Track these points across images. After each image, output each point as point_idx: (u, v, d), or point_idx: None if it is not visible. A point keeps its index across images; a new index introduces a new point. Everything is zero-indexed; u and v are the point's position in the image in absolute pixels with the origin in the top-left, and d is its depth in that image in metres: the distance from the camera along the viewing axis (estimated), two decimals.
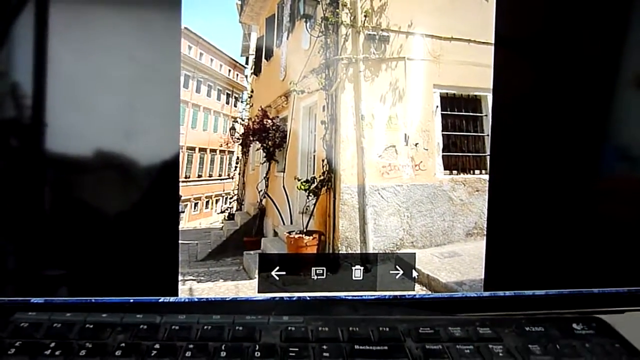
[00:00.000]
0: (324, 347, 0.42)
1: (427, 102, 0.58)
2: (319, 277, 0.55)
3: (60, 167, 0.52)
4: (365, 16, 0.57)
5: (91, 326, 0.43)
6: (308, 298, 0.54)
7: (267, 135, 0.60)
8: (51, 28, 0.52)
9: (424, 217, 0.59)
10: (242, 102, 0.61)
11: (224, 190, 0.61)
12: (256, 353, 0.40)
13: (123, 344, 0.41)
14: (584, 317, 0.50)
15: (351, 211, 0.59)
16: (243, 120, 0.59)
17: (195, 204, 0.58)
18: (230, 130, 0.59)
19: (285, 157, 0.61)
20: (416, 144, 0.58)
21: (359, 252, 0.57)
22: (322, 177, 0.58)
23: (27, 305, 0.49)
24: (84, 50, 0.52)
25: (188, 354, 0.40)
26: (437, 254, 0.59)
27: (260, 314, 0.47)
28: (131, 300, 0.51)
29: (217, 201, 0.61)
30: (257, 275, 0.54)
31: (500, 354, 0.42)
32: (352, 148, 0.58)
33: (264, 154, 0.61)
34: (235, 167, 0.60)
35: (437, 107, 0.59)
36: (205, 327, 0.44)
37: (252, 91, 0.61)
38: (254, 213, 0.61)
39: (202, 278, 0.54)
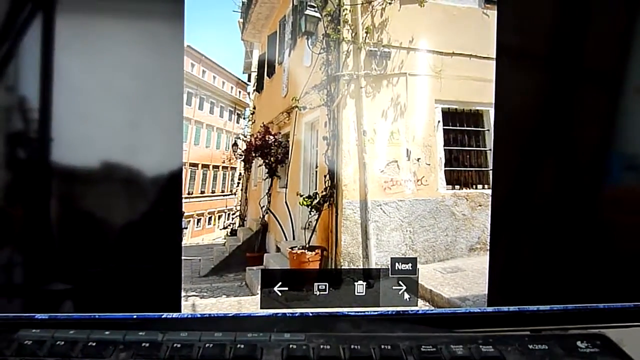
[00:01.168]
0: None
1: (428, 117, 0.59)
2: (321, 292, 0.55)
3: (63, 182, 0.52)
4: (366, 33, 0.58)
5: (94, 344, 0.44)
6: (310, 314, 0.54)
7: (269, 152, 0.60)
8: (56, 45, 0.53)
9: (427, 232, 0.59)
10: (244, 118, 0.61)
11: (226, 206, 0.62)
12: None
13: None
14: (588, 334, 0.50)
15: (353, 226, 0.59)
16: (245, 137, 0.59)
17: (198, 220, 0.58)
18: (232, 146, 0.60)
19: (287, 173, 0.61)
20: (418, 159, 0.59)
21: (361, 267, 0.57)
22: (324, 193, 0.58)
23: (32, 321, 0.50)
24: (88, 68, 0.52)
25: None
26: (440, 269, 0.59)
27: (262, 331, 0.47)
28: (134, 316, 0.52)
29: (219, 217, 0.61)
30: (259, 291, 0.54)
31: None
32: (354, 163, 0.58)
33: (266, 170, 0.61)
34: (238, 183, 0.61)
35: (439, 122, 0.60)
36: (207, 345, 0.44)
37: (254, 108, 0.62)
38: (256, 229, 0.61)
39: (204, 294, 0.55)
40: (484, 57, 0.56)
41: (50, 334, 0.45)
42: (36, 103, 0.53)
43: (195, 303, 0.54)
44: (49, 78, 0.53)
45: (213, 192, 0.61)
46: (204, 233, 0.59)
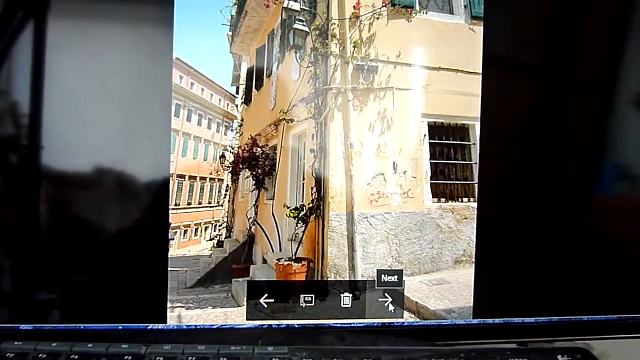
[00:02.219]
0: None
1: (415, 131, 0.59)
2: (307, 304, 0.55)
3: (48, 190, 0.52)
4: (354, 47, 0.58)
5: (76, 357, 0.44)
6: (296, 326, 0.54)
7: (256, 164, 0.60)
8: (47, 57, 0.53)
9: (413, 245, 0.59)
10: (232, 130, 0.62)
11: (213, 218, 0.62)
12: None
13: None
14: (570, 348, 0.50)
15: (340, 238, 0.59)
16: (233, 149, 0.60)
17: (185, 232, 0.58)
18: (220, 158, 0.60)
19: (274, 185, 0.62)
20: (405, 172, 0.59)
21: (347, 279, 0.57)
22: (311, 205, 0.59)
23: (16, 332, 0.50)
24: (76, 79, 0.53)
25: None
26: (426, 282, 0.59)
27: (247, 343, 0.48)
28: (120, 328, 0.52)
29: (206, 229, 0.61)
30: (245, 303, 0.55)
31: None
32: (341, 176, 0.58)
33: (254, 182, 0.62)
34: (225, 195, 0.61)
35: (425, 135, 0.60)
36: (190, 359, 0.44)
37: (242, 120, 0.62)
38: (243, 240, 0.61)
39: (190, 305, 0.55)
40: (470, 72, 0.57)
41: (33, 347, 0.45)
42: (24, 111, 0.53)
43: (182, 314, 0.54)
44: (39, 84, 0.53)
45: (200, 203, 0.61)
46: (190, 244, 0.59)
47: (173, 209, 0.54)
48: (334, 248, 0.59)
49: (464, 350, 0.48)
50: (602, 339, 0.58)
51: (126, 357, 0.44)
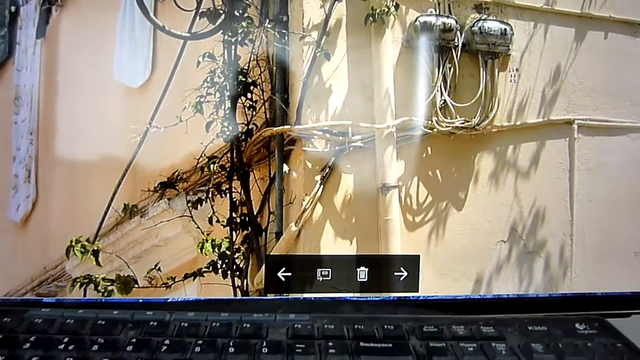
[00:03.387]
0: (330, 344, 0.42)
1: None
2: (324, 278, 0.56)
3: None
4: None
5: (103, 322, 0.45)
6: (313, 299, 0.55)
7: None
8: None
9: None
10: None
11: None
12: (263, 349, 0.41)
13: (134, 340, 0.42)
14: (587, 317, 0.51)
15: None
16: None
17: None
18: None
19: None
20: None
21: (364, 253, 0.57)
22: None
23: (39, 304, 0.51)
24: None
25: (197, 349, 0.41)
26: None
27: (267, 313, 0.48)
28: (140, 300, 0.52)
29: None
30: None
31: (503, 352, 0.43)
32: None
33: None
34: None
35: None
36: (214, 324, 0.45)
37: None
38: None
39: None
40: None
41: (60, 313, 0.46)
42: None
43: None
44: None
45: None
46: None
47: None
48: None
49: (483, 319, 0.49)
50: (615, 316, 0.58)
51: (151, 323, 0.45)
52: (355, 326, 0.46)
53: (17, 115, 0.61)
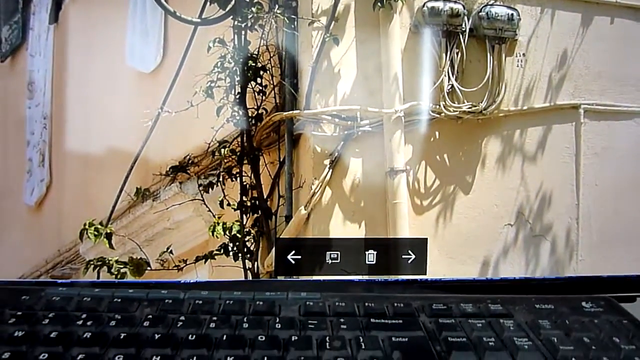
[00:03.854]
0: (341, 320, 0.43)
1: None
2: (333, 261, 0.57)
3: None
4: None
5: (119, 300, 0.45)
6: (323, 280, 0.55)
7: None
8: None
9: None
10: None
11: None
12: (277, 325, 0.42)
13: (150, 316, 0.43)
14: (593, 297, 0.51)
15: None
16: None
17: None
18: None
19: None
20: None
21: (372, 236, 0.58)
22: None
23: (56, 285, 0.51)
24: None
25: (212, 325, 0.42)
26: None
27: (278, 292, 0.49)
28: (152, 282, 0.53)
29: None
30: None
31: (511, 328, 0.43)
32: None
33: None
34: None
35: None
36: (227, 302, 0.46)
37: None
38: None
39: None
40: None
41: (77, 292, 0.47)
42: None
43: None
44: None
45: None
46: None
47: None
48: None
49: (491, 297, 0.50)
50: (621, 299, 0.59)
51: (166, 301, 0.46)
52: (366, 304, 0.46)
53: (31, 100, 0.62)
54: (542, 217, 0.66)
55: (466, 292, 0.56)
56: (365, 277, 0.56)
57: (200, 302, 0.46)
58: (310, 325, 0.43)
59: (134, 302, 0.45)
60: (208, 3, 0.61)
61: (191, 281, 0.54)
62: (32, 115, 0.63)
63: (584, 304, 0.49)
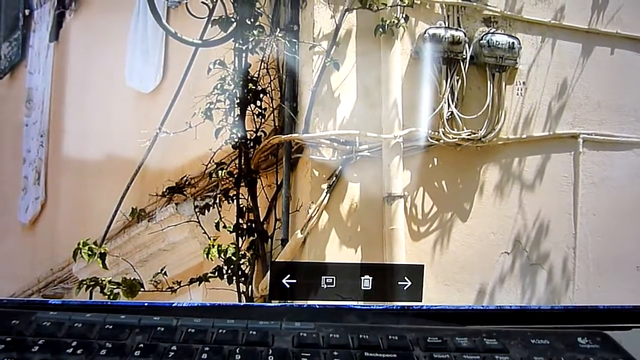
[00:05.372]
0: (335, 353, 0.42)
1: None
2: (328, 286, 0.56)
3: None
4: None
5: (110, 327, 0.45)
6: (317, 306, 0.55)
7: None
8: None
9: None
10: None
11: None
12: (269, 357, 0.42)
13: (141, 345, 0.42)
14: (589, 332, 0.51)
15: None
16: None
17: None
18: None
19: None
20: None
21: (368, 262, 0.58)
22: None
23: (45, 306, 0.51)
24: None
25: (204, 356, 0.41)
26: None
27: (273, 319, 0.48)
28: (146, 304, 0.53)
29: None
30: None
31: None
32: None
33: None
34: None
35: None
36: (220, 331, 0.45)
37: None
38: None
39: None
40: None
41: (68, 317, 0.46)
42: None
43: None
44: None
45: None
46: None
47: None
48: None
49: (486, 330, 0.49)
50: (616, 329, 0.59)
51: (158, 328, 0.45)
52: (360, 336, 0.46)
53: (29, 117, 0.61)
54: (539, 246, 0.66)
55: (461, 321, 0.56)
56: (360, 304, 0.56)
57: (193, 330, 0.45)
58: (303, 358, 0.42)
59: (125, 328, 0.45)
60: (210, 25, 0.61)
61: (184, 304, 0.54)
62: (29, 132, 0.63)
63: (579, 339, 0.49)
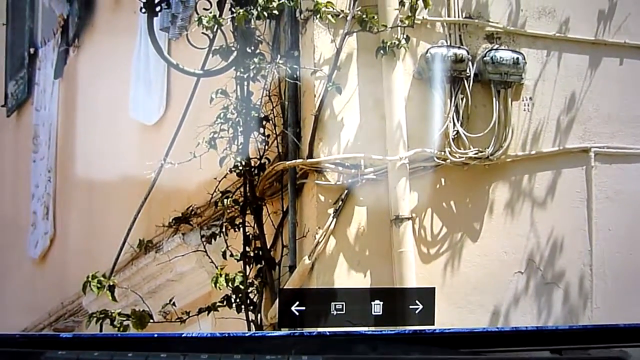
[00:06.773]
0: None
1: None
2: (338, 312, 0.55)
3: None
4: None
5: None
6: (327, 333, 0.54)
7: None
8: None
9: None
10: None
11: None
12: None
13: None
14: (605, 356, 0.49)
15: None
16: None
17: None
18: None
19: None
20: None
21: (378, 286, 0.57)
22: None
23: (56, 340, 0.51)
24: None
25: None
26: None
27: (280, 351, 0.48)
28: (155, 335, 0.53)
29: None
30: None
31: None
32: None
33: None
34: None
35: None
36: None
37: None
38: None
39: None
40: None
41: (75, 356, 0.46)
42: None
43: None
44: None
45: None
46: None
47: None
48: None
49: (496, 358, 0.48)
50: (637, 346, 0.57)
51: None
52: None
53: (36, 153, 0.62)
54: (553, 264, 0.64)
55: (476, 344, 0.55)
56: (372, 329, 0.55)
57: None
58: None
59: None
60: (211, 55, 0.61)
61: (193, 335, 0.53)
62: (36, 168, 0.64)
63: None
